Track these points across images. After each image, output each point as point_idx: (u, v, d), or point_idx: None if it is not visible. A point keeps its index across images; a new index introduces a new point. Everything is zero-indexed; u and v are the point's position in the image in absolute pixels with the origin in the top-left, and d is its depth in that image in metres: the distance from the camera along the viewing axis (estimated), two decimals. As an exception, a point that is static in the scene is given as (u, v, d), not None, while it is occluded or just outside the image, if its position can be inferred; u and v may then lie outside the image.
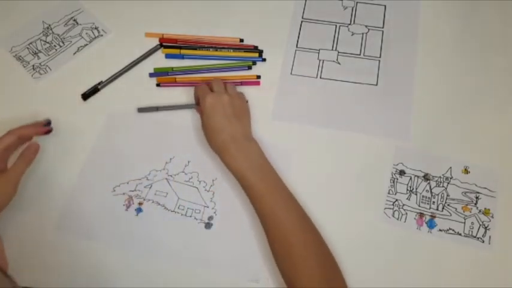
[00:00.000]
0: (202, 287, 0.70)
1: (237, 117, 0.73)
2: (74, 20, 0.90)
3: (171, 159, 0.78)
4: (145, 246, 0.72)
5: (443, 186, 0.74)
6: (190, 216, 0.74)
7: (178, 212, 0.74)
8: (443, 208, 0.73)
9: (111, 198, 0.75)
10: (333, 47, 0.87)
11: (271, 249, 0.66)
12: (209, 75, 0.85)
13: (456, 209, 0.73)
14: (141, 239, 0.72)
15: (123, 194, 0.75)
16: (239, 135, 0.71)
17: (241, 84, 0.83)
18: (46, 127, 0.77)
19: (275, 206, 0.66)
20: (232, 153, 0.70)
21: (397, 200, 0.74)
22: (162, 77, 0.84)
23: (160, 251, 0.72)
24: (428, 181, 0.75)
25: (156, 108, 0.81)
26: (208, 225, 0.73)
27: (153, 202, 0.75)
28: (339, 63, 0.85)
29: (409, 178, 0.75)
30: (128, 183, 0.76)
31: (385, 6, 0.90)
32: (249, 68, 0.85)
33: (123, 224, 0.73)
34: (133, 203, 0.75)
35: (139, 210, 0.74)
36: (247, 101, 0.79)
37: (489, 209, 0.73)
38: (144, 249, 0.72)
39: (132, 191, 0.75)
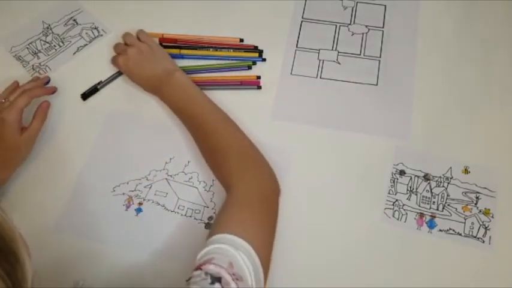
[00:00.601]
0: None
1: (150, 60, 0.80)
2: (74, 20, 0.90)
3: (171, 159, 0.78)
4: (145, 246, 0.72)
5: (443, 186, 0.74)
6: (190, 216, 0.74)
7: (178, 212, 0.74)
8: (443, 208, 0.73)
9: (111, 198, 0.75)
10: (333, 47, 0.87)
11: (204, 156, 0.75)
12: (209, 75, 0.85)
13: (456, 209, 0.73)
14: (141, 239, 0.72)
15: (123, 194, 0.75)
16: (159, 77, 0.78)
17: (241, 84, 0.83)
18: (52, 87, 0.81)
19: (212, 121, 0.74)
20: (164, 92, 0.78)
21: (397, 200, 0.74)
22: (162, 77, 0.84)
23: (160, 251, 0.72)
24: (428, 181, 0.75)
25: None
26: (208, 225, 0.73)
27: (153, 202, 0.75)
28: (339, 63, 0.85)
29: (409, 178, 0.75)
30: (127, 183, 0.76)
31: (385, 6, 0.90)
32: (249, 68, 0.85)
33: (123, 224, 0.73)
34: (133, 203, 0.74)
35: (139, 210, 0.74)
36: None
37: (489, 209, 0.73)
38: (144, 249, 0.72)
39: (132, 191, 0.75)
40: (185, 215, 0.74)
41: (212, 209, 0.74)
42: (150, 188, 0.76)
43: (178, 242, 0.72)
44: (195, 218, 0.74)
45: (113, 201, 0.75)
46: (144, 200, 0.75)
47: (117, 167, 0.77)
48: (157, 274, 0.70)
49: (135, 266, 0.71)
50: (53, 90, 0.81)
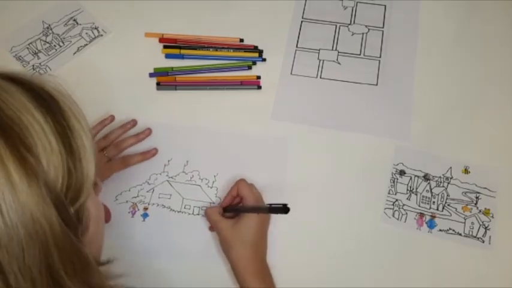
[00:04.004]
0: (215, 286, 0.70)
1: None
2: (74, 20, 0.90)
3: (169, 160, 0.78)
4: (160, 250, 0.72)
5: (443, 186, 0.75)
6: (198, 214, 0.74)
7: (185, 212, 0.74)
8: (443, 208, 0.73)
9: (115, 207, 0.74)
10: (333, 47, 0.87)
11: None
12: (209, 75, 0.85)
13: (456, 209, 0.73)
14: (153, 243, 0.72)
15: (126, 201, 0.75)
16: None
17: (241, 84, 0.83)
18: (152, 152, 0.78)
19: None
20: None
21: (397, 200, 0.74)
22: (162, 77, 0.84)
23: (175, 251, 0.72)
24: (428, 181, 0.75)
25: None
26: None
27: (158, 205, 0.74)
28: (339, 63, 0.85)
29: (409, 178, 0.76)
30: (129, 190, 0.75)
31: (385, 6, 0.90)
32: (249, 68, 0.85)
33: (132, 231, 0.73)
34: (138, 209, 0.74)
35: (145, 215, 0.74)
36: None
37: (489, 209, 0.73)
38: (159, 252, 0.72)
39: (135, 197, 0.75)
40: (192, 214, 0.74)
41: (219, 203, 0.74)
42: (152, 192, 0.75)
43: (191, 240, 0.72)
44: (203, 215, 0.74)
45: (117, 210, 0.74)
46: (148, 204, 0.74)
47: (116, 175, 0.76)
48: (171, 273, 0.71)
49: (145, 268, 0.71)
50: (152, 154, 0.78)
